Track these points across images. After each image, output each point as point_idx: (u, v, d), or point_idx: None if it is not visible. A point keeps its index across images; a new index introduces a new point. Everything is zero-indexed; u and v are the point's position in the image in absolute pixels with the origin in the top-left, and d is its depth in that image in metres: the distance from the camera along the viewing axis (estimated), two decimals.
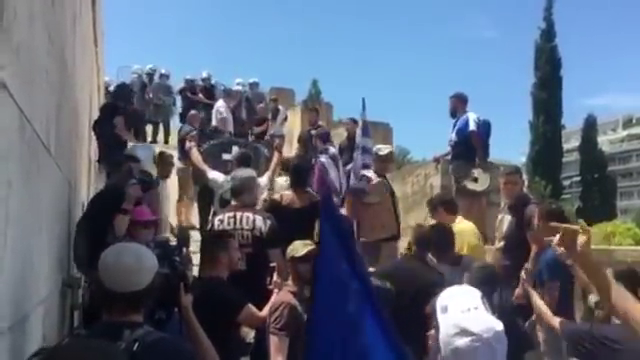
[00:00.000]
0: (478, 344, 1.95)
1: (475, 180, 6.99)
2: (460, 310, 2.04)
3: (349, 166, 7.63)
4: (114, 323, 1.94)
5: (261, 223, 4.45)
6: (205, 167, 6.34)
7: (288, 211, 5.08)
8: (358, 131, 7.30)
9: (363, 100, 7.30)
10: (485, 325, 1.99)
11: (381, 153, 6.39)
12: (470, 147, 7.35)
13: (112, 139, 6.94)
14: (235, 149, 7.54)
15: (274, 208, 5.10)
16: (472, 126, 7.31)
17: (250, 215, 4.48)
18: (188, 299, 2.61)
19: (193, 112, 10.69)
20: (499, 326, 2.01)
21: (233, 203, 4.72)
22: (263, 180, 5.91)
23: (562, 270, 4.11)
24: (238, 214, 4.49)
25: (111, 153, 6.56)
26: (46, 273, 2.82)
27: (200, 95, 13.57)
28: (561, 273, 4.21)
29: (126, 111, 7.58)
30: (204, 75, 14.20)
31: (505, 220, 5.51)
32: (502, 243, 5.44)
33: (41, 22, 2.38)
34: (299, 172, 5.51)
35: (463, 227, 5.26)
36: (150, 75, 13.91)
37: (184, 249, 5.31)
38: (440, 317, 2.08)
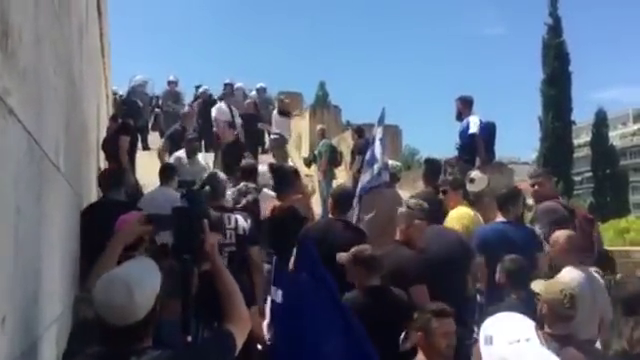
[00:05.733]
0: None
1: (472, 181, 6.97)
2: (508, 341, 1.85)
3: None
4: (116, 353, 1.85)
5: (243, 222, 4.53)
6: None
7: None
8: (377, 148, 6.19)
9: (383, 111, 6.39)
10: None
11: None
12: (472, 150, 7.39)
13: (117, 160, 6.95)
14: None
15: None
16: (473, 129, 7.37)
17: (231, 215, 4.55)
18: (213, 238, 2.33)
19: (186, 110, 10.39)
20: None
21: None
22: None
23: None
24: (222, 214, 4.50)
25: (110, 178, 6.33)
26: (59, 291, 2.82)
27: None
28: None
29: (134, 129, 7.60)
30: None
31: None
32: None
33: (47, 40, 2.37)
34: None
35: (462, 212, 5.50)
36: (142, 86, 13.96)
37: (207, 187, 4.96)
38: (483, 349, 1.88)
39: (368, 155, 6.14)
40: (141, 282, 1.87)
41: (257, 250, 4.57)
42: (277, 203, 5.33)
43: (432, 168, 6.85)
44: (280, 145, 12.51)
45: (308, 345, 3.04)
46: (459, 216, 5.50)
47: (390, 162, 6.49)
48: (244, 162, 6.67)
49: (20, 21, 1.72)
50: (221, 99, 13.05)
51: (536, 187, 5.53)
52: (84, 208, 4.32)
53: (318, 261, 3.48)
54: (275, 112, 12.86)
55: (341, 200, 4.87)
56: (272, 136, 12.71)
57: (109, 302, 1.82)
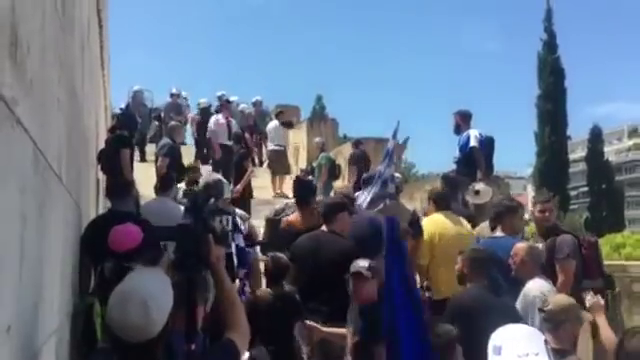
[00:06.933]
0: None
1: (477, 193, 6.99)
2: (517, 354, 1.87)
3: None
4: None
5: (240, 223, 4.88)
6: None
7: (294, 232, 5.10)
8: (383, 160, 6.23)
9: (397, 124, 6.21)
10: None
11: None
12: (472, 163, 7.42)
13: (118, 173, 6.91)
14: None
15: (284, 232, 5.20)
16: (473, 142, 7.42)
17: (229, 217, 4.75)
18: (218, 251, 2.40)
19: (174, 123, 10.39)
20: None
21: None
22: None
23: None
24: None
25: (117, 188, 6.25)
26: (59, 302, 2.81)
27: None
28: None
29: (131, 141, 7.58)
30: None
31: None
32: None
33: (52, 52, 2.39)
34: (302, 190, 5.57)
35: (437, 218, 5.54)
36: (138, 95, 14.06)
37: (212, 199, 4.93)
38: (491, 358, 1.91)
39: (380, 168, 6.13)
40: (158, 300, 1.86)
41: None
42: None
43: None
44: (280, 157, 12.48)
45: None
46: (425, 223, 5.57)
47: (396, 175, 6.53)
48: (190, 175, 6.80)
49: (29, 32, 1.73)
50: (217, 112, 13.15)
51: (546, 214, 5.37)
52: (92, 219, 4.33)
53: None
54: (275, 122, 12.84)
55: (327, 212, 4.94)
56: (272, 147, 12.68)
57: (125, 321, 1.80)
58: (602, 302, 3.78)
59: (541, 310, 3.70)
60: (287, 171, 12.44)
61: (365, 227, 4.88)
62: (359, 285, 3.96)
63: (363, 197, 5.95)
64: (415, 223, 5.32)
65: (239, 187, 9.17)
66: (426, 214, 5.79)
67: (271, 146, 12.71)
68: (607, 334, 3.57)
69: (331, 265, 4.37)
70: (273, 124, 12.89)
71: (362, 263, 4.00)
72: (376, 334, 3.57)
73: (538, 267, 4.54)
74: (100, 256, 3.67)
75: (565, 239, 5.06)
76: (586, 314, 3.88)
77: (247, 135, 12.63)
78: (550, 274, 4.89)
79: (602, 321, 3.72)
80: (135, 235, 3.62)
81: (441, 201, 5.72)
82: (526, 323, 3.95)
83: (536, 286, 4.33)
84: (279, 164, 12.36)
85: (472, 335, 3.34)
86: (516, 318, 3.78)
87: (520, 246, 4.60)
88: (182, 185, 6.45)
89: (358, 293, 3.97)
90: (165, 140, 9.36)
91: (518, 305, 4.32)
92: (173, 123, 10.43)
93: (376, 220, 4.87)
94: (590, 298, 3.87)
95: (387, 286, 3.60)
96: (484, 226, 5.78)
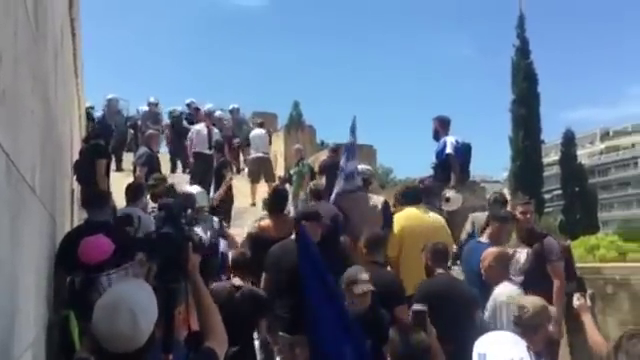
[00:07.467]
0: None
1: (447, 200, 7.10)
2: None
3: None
4: None
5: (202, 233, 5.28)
6: None
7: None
8: (343, 155, 6.57)
9: (354, 119, 6.39)
10: None
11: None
12: (448, 169, 7.52)
13: (94, 183, 6.83)
14: None
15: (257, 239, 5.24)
16: (449, 149, 7.51)
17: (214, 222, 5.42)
18: (195, 259, 2.42)
19: (151, 132, 10.34)
20: None
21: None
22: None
23: None
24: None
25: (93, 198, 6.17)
26: (34, 314, 2.77)
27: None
28: None
29: (107, 151, 7.49)
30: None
31: (520, 254, 5.38)
32: (521, 277, 5.24)
33: (25, 63, 2.37)
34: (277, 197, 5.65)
35: (409, 212, 5.78)
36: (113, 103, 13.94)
37: (189, 210, 4.96)
38: None
39: (342, 162, 6.28)
40: (145, 309, 1.87)
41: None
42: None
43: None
44: (265, 164, 12.38)
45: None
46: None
47: (361, 167, 6.58)
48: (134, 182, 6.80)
49: (1, 44, 1.72)
50: (187, 119, 13.23)
51: (528, 216, 5.54)
52: (68, 231, 4.27)
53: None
54: (260, 130, 12.80)
55: (298, 221, 5.07)
56: (256, 155, 12.54)
57: (113, 331, 1.80)
58: (589, 304, 3.85)
59: (519, 318, 3.64)
60: (273, 179, 12.38)
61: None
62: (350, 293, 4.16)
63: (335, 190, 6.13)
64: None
65: (217, 195, 9.14)
66: (395, 212, 5.94)
67: (255, 154, 12.60)
68: (595, 338, 3.56)
69: (294, 273, 4.41)
70: (258, 132, 12.83)
71: (362, 275, 4.18)
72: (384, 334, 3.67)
73: (506, 272, 4.71)
74: (74, 268, 3.63)
75: (552, 242, 5.32)
76: (552, 308, 4.00)
77: (225, 144, 12.56)
78: (539, 278, 5.00)
79: (589, 322, 3.75)
80: (105, 247, 3.58)
81: (411, 195, 5.93)
82: (493, 324, 4.09)
83: (506, 290, 4.46)
84: (264, 172, 12.28)
85: (442, 317, 3.75)
86: (475, 301, 4.52)
87: (489, 251, 4.79)
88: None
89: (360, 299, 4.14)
90: (143, 149, 9.30)
91: (488, 307, 4.49)
92: (150, 131, 10.37)
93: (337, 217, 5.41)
94: (577, 300, 3.93)
95: (306, 292, 3.95)
96: (479, 215, 5.94)
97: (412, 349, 3.18)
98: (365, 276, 4.17)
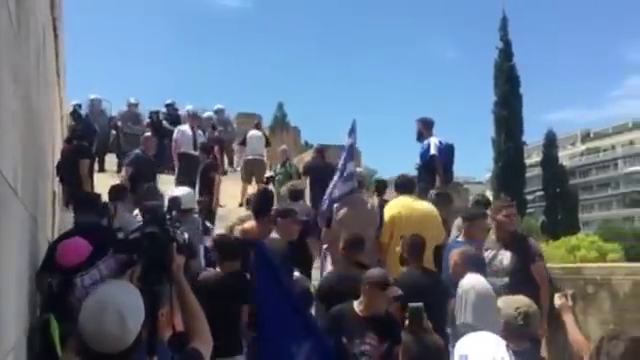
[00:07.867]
0: None
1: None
2: None
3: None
4: None
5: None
6: None
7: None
8: (343, 155, 6.47)
9: (354, 122, 6.45)
10: None
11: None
12: (432, 171, 7.62)
13: (77, 183, 6.78)
14: None
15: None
16: (433, 150, 7.61)
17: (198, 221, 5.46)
18: (180, 260, 2.42)
19: (147, 135, 10.32)
20: None
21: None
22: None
23: None
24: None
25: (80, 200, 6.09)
26: (15, 319, 2.74)
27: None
28: None
29: (91, 151, 7.44)
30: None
31: (502, 256, 5.42)
32: (506, 279, 5.31)
33: (7, 64, 2.35)
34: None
35: (401, 200, 6.06)
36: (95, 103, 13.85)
37: (174, 212, 4.95)
38: None
39: (340, 164, 6.32)
40: (132, 309, 1.89)
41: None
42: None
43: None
44: (260, 166, 12.33)
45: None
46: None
47: (356, 169, 6.75)
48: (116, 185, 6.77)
49: None
50: (171, 122, 13.18)
51: (512, 218, 5.53)
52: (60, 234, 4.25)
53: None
54: (257, 132, 12.80)
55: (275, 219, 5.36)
56: (252, 157, 12.48)
57: (102, 331, 1.81)
58: (570, 303, 3.89)
59: (511, 324, 3.52)
60: (265, 181, 12.34)
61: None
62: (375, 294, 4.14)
63: (327, 192, 6.19)
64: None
65: (214, 199, 9.25)
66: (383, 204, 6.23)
67: (250, 155, 12.54)
68: (575, 337, 3.58)
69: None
70: (254, 133, 12.80)
71: (378, 272, 4.27)
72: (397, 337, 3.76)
73: (471, 268, 4.81)
74: (53, 271, 3.61)
75: (534, 243, 5.60)
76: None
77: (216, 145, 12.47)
78: (524, 279, 5.07)
79: (570, 322, 3.75)
80: (82, 250, 3.54)
81: (405, 185, 6.15)
82: (459, 311, 4.52)
83: (471, 281, 4.64)
84: (257, 174, 12.23)
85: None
86: (448, 291, 4.79)
87: (454, 251, 5.00)
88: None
89: (374, 302, 4.10)
90: (135, 151, 9.31)
91: (456, 296, 4.71)
92: (147, 134, 10.36)
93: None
94: (558, 299, 3.96)
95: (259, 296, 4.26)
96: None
97: (427, 351, 3.21)
98: (391, 279, 4.25)
